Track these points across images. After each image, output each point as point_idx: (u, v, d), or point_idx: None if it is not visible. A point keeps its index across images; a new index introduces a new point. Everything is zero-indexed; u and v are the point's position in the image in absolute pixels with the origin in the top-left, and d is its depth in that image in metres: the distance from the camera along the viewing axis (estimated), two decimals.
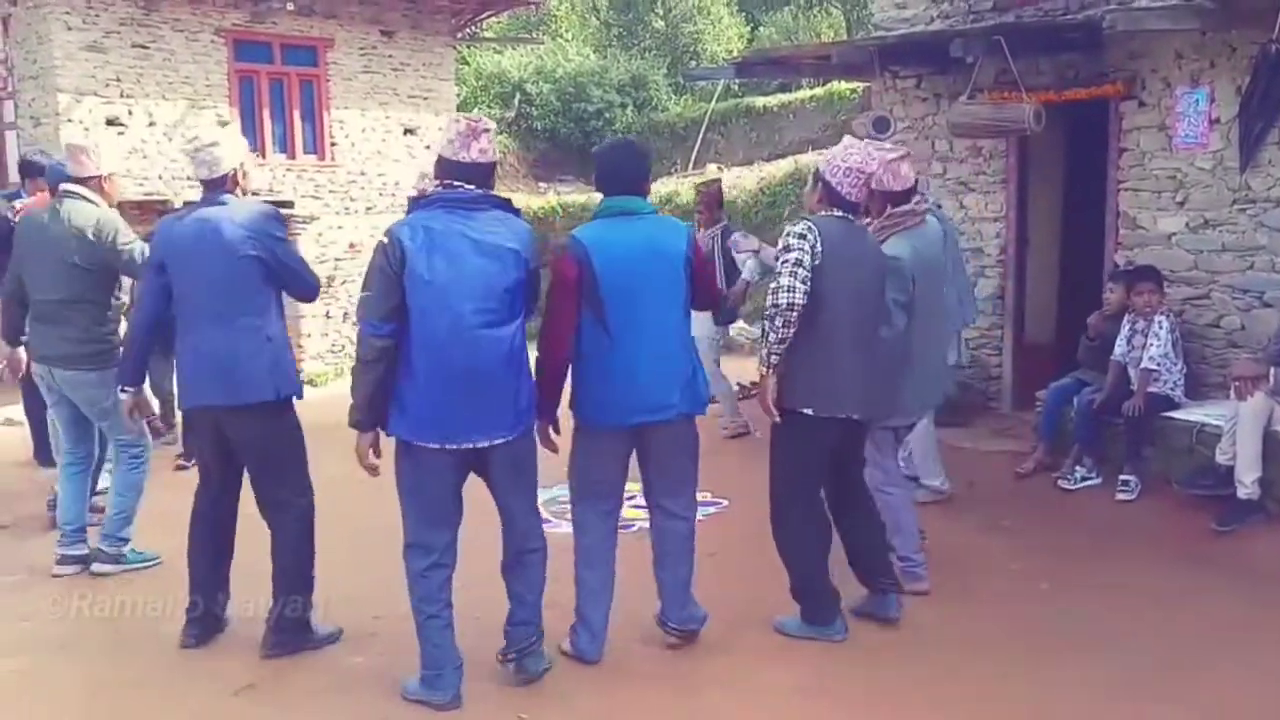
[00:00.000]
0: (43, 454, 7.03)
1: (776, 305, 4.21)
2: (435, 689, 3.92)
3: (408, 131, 14.60)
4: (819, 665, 4.23)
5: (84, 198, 5.21)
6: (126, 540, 5.33)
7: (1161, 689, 4.01)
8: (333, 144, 14.04)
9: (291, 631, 4.35)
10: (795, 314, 4.19)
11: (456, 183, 3.79)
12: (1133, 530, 5.81)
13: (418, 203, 3.89)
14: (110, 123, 12.12)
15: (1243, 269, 6.64)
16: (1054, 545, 5.61)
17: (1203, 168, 6.77)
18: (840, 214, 4.37)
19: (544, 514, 6.01)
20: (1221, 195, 6.70)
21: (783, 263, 4.24)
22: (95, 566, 5.27)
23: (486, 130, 3.83)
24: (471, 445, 3.77)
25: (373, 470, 3.86)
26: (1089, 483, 6.50)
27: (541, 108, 22.22)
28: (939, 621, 4.60)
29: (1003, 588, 5.00)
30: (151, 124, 12.34)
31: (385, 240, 3.72)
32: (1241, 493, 5.69)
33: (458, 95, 17.05)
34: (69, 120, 11.81)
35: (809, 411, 4.30)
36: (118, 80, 12.22)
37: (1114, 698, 3.95)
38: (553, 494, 6.49)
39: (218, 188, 4.27)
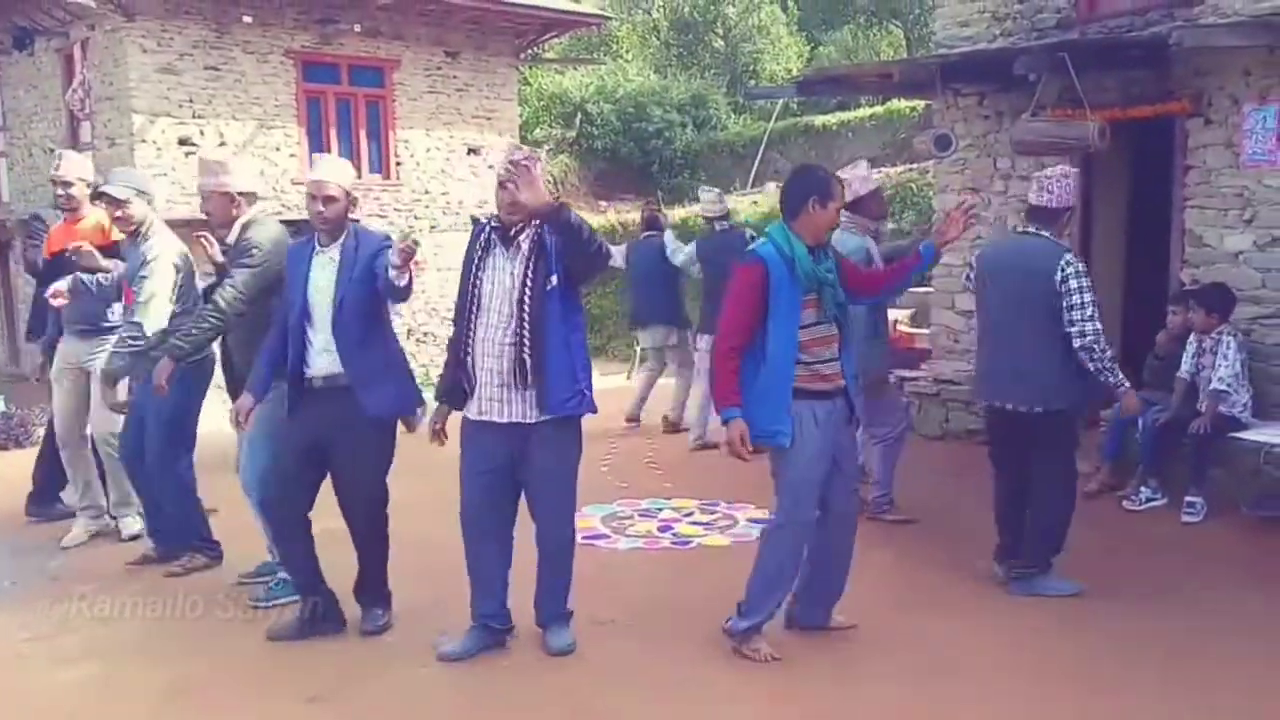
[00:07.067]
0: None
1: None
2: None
3: (471, 151, 14.81)
4: (870, 687, 4.22)
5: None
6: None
7: (1247, 716, 3.91)
8: (398, 163, 14.30)
9: None
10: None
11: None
12: (1199, 553, 5.68)
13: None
14: (182, 142, 12.44)
15: None
16: (1121, 567, 5.49)
17: (1271, 185, 6.66)
18: (1023, 229, 5.11)
19: (603, 529, 6.13)
20: None
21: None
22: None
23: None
24: None
25: None
26: (1154, 504, 6.39)
27: (602, 127, 22.42)
28: (998, 645, 4.51)
29: (1069, 610, 4.92)
30: (222, 143, 12.64)
31: None
32: None
33: (520, 115, 17.26)
34: (143, 140, 12.14)
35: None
36: (190, 101, 12.55)
37: None
38: (612, 509, 6.56)
39: None
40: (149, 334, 5.19)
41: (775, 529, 4.34)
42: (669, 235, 8.58)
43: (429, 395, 4.58)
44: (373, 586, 4.68)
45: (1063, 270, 4.79)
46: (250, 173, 5.21)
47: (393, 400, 4.51)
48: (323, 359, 4.41)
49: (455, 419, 4.30)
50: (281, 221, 5.32)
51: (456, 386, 4.22)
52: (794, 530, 4.28)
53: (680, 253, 8.34)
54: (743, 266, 4.24)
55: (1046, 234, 4.95)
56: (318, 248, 4.47)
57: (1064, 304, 4.79)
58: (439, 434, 4.30)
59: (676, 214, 15.88)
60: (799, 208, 4.21)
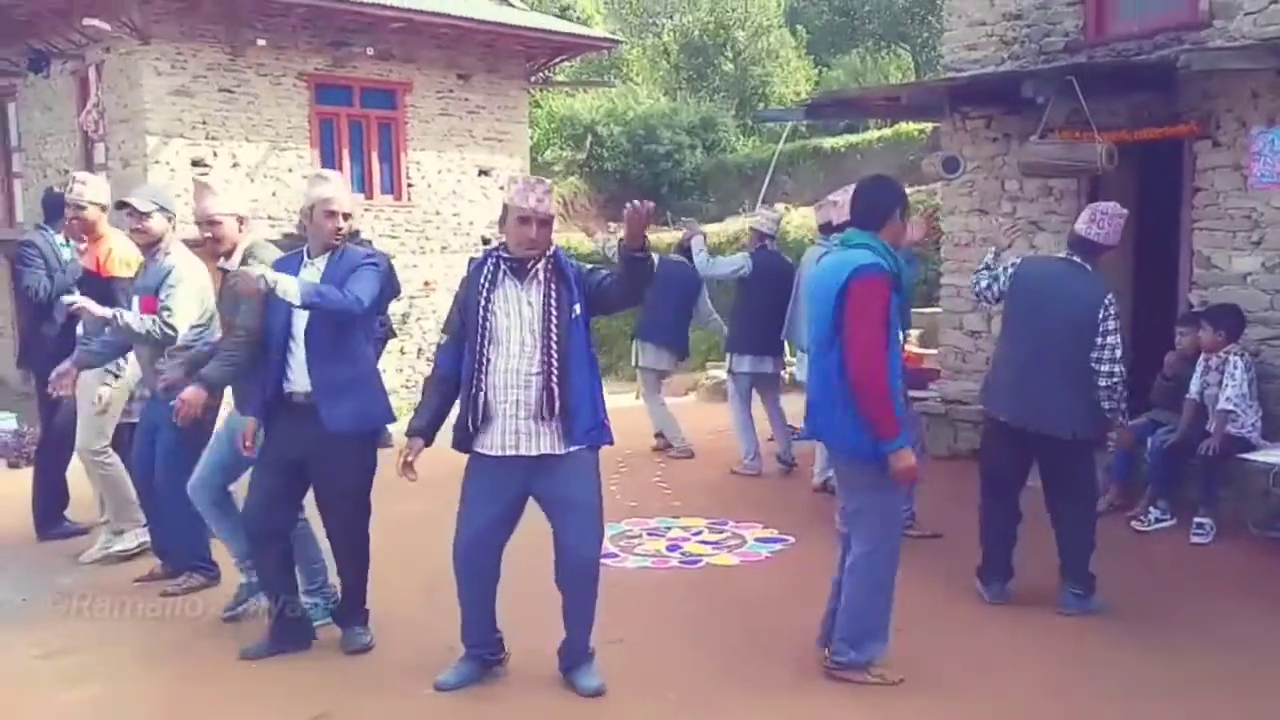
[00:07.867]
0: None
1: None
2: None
3: (483, 173, 14.88)
4: (877, 702, 4.21)
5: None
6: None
7: None
8: (409, 185, 14.35)
9: None
10: (974, 290, 5.41)
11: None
12: (1209, 574, 5.68)
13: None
14: (195, 164, 12.52)
15: None
16: (1129, 589, 5.45)
17: (1279, 207, 6.68)
18: (1064, 255, 5.12)
19: (611, 547, 6.13)
20: None
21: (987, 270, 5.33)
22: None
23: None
24: None
25: None
26: (1163, 524, 6.38)
27: (612, 149, 22.51)
28: (1014, 663, 4.51)
29: (1075, 631, 4.91)
30: (235, 165, 12.72)
31: None
32: None
33: (531, 137, 17.34)
34: (156, 162, 12.22)
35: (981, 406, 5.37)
36: (204, 123, 12.64)
37: None
38: (621, 528, 6.55)
39: None
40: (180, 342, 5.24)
41: (864, 556, 4.16)
42: (698, 240, 8.25)
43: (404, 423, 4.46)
44: (352, 604, 4.66)
45: (1105, 309, 4.85)
46: (238, 197, 5.27)
47: (356, 416, 4.45)
48: (305, 373, 4.41)
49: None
50: (284, 235, 5.37)
51: (439, 422, 4.15)
52: (884, 555, 4.16)
53: (725, 264, 8.16)
54: (871, 280, 3.96)
55: (1089, 267, 5.01)
56: (306, 260, 4.47)
57: (1097, 341, 4.83)
58: (409, 467, 4.10)
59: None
60: (884, 218, 4.13)
